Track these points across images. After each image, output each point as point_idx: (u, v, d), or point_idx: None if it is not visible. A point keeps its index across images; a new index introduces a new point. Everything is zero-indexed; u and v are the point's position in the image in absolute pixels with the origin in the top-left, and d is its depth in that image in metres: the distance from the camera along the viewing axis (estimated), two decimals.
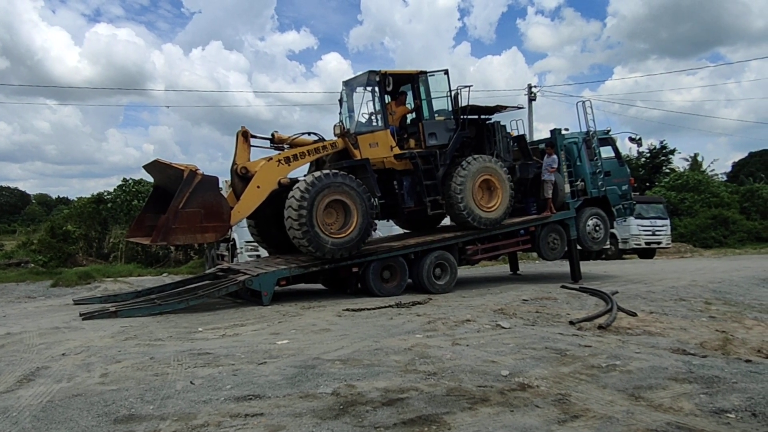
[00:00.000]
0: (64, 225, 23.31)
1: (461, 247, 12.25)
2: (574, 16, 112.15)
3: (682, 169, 40.50)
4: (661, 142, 42.65)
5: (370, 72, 11.66)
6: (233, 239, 16.89)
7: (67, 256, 21.88)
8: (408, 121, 12.67)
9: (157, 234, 9.79)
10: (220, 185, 10.90)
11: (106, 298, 11.14)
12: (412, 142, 12.13)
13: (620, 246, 23.84)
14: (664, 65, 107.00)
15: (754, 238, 30.78)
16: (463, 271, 15.31)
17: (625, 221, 20.06)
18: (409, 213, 12.43)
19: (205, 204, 9.92)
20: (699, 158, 43.49)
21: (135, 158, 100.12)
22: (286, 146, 11.49)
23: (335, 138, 11.50)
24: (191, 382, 5.13)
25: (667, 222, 24.90)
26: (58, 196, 69.02)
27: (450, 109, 12.37)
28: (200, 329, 7.94)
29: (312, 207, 10.20)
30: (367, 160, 11.26)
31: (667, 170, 40.80)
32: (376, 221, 12.61)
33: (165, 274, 18.89)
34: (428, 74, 12.18)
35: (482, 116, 13.01)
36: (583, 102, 13.99)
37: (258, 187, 10.56)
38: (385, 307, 9.49)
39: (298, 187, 10.31)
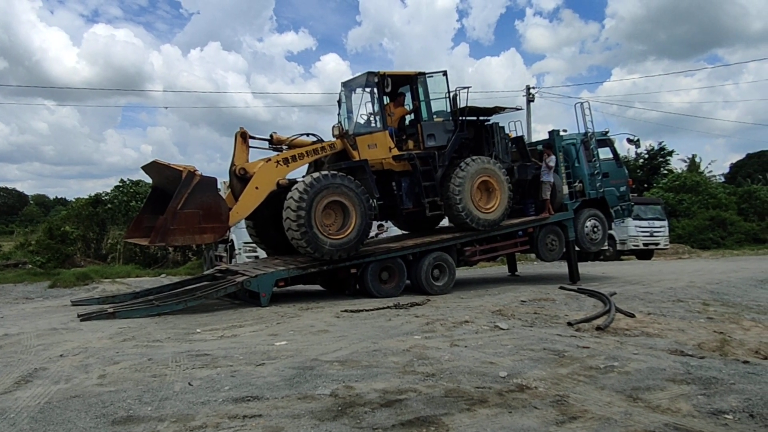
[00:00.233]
0: (62, 226, 23.24)
1: (459, 248, 12.26)
2: (572, 18, 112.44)
3: (680, 171, 40.56)
4: (660, 144, 42.77)
5: (369, 73, 11.67)
6: (231, 240, 16.88)
7: (65, 257, 21.83)
8: (407, 122, 12.68)
9: (155, 235, 9.78)
10: (219, 186, 10.88)
11: (104, 299, 11.12)
12: (410, 144, 12.13)
13: (618, 247, 23.88)
14: (662, 67, 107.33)
15: (751, 240, 30.85)
16: (462, 272, 15.32)
17: (623, 222, 20.13)
18: (407, 214, 12.44)
19: (204, 205, 9.91)
20: (697, 159, 43.59)
21: (133, 159, 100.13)
22: (284, 147, 11.48)
23: (334, 139, 11.51)
24: (189, 384, 5.12)
25: (665, 223, 24.95)
26: (56, 197, 69.07)
27: (448, 110, 12.38)
28: (198, 330, 7.94)
29: (310, 208, 10.20)
30: (365, 161, 11.26)
31: (665, 171, 40.86)
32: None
33: (163, 275, 18.87)
34: (427, 75, 12.19)
35: (481, 117, 13.02)
36: (582, 103, 14.02)
37: (256, 188, 10.56)
38: (384, 308, 9.48)
39: (296, 188, 10.31)
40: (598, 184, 13.69)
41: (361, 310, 9.30)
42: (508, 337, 7.25)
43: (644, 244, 23.93)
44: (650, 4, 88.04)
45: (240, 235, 15.90)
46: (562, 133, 13.84)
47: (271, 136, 11.58)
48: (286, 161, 10.93)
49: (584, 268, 15.86)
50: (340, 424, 4.11)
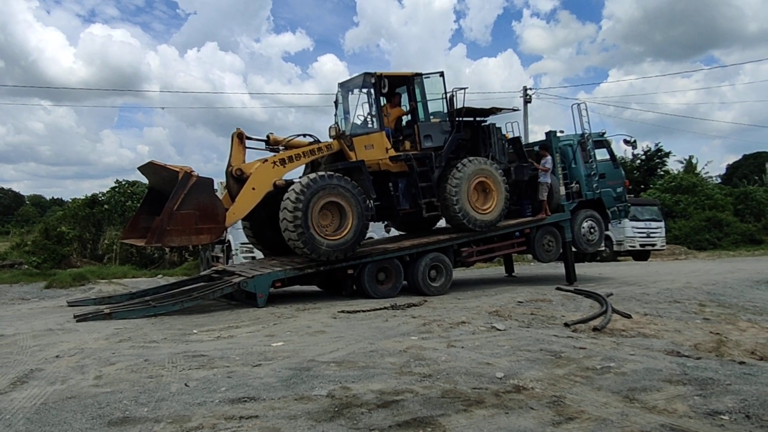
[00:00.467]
0: (58, 226, 23.21)
1: (456, 249, 12.27)
2: (569, 19, 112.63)
3: (676, 172, 40.64)
4: (656, 145, 42.83)
5: (366, 74, 11.67)
6: (228, 241, 16.87)
7: (61, 258, 21.79)
8: (404, 123, 12.68)
9: (151, 236, 9.76)
10: (215, 187, 10.88)
11: (100, 300, 11.09)
12: (407, 144, 12.13)
13: (615, 248, 23.92)
14: (659, 68, 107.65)
15: (747, 241, 30.92)
16: (459, 273, 15.32)
17: (619, 223, 20.17)
18: (404, 215, 12.42)
19: (200, 206, 9.89)
20: (693, 161, 43.68)
21: (129, 159, 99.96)
22: (281, 148, 11.47)
23: (330, 140, 11.50)
24: (186, 385, 5.11)
25: (662, 224, 25.00)
26: (52, 197, 68.87)
27: (445, 111, 12.38)
28: (195, 331, 7.92)
29: (307, 209, 10.20)
30: (362, 162, 11.26)
31: (662, 173, 40.95)
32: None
33: (159, 276, 18.84)
34: (424, 76, 12.19)
35: (477, 118, 13.04)
36: (578, 104, 14.06)
37: (253, 188, 10.54)
38: (381, 309, 9.48)
39: (293, 189, 10.30)
40: (594, 185, 13.71)
41: (358, 311, 9.29)
42: (505, 337, 7.26)
43: (641, 245, 23.97)
44: (647, 5, 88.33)
45: (237, 235, 15.89)
46: (559, 134, 13.87)
47: (267, 136, 11.57)
48: (282, 162, 10.92)
49: (581, 269, 15.88)
50: (336, 425, 4.11)
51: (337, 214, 10.78)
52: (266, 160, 10.87)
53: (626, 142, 14.82)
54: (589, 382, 5.22)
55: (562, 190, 13.34)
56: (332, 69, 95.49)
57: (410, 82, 12.13)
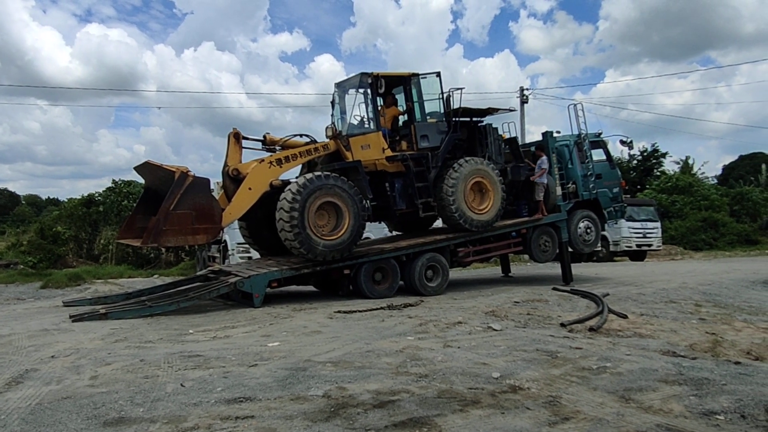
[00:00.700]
0: (53, 226, 23.15)
1: (453, 249, 12.27)
2: (566, 19, 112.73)
3: (672, 172, 40.72)
4: (653, 145, 42.87)
5: (363, 74, 11.67)
6: (224, 241, 16.87)
7: (56, 258, 21.73)
8: (400, 123, 12.68)
9: (147, 236, 9.74)
10: (212, 187, 10.86)
11: (96, 300, 11.07)
12: (404, 145, 12.13)
13: (611, 248, 23.98)
14: (655, 68, 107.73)
15: (743, 241, 31.04)
16: (455, 273, 15.33)
17: (616, 224, 20.17)
18: (401, 215, 12.43)
19: (197, 206, 9.88)
20: (690, 161, 43.78)
21: (126, 159, 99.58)
22: (277, 148, 11.47)
23: (327, 140, 11.50)
24: (181, 385, 5.10)
25: (658, 224, 25.06)
26: (48, 197, 68.58)
27: (442, 111, 12.38)
28: (191, 331, 7.91)
29: (303, 209, 10.19)
30: (359, 162, 11.26)
31: (658, 173, 41.03)
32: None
33: (156, 276, 18.81)
34: (420, 76, 12.20)
35: (474, 118, 13.05)
36: (575, 105, 14.08)
37: (249, 188, 10.54)
38: (377, 309, 9.48)
39: (289, 189, 10.29)
40: (591, 186, 13.74)
41: (355, 311, 9.29)
42: (501, 338, 7.26)
43: (637, 245, 24.03)
44: (643, 6, 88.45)
45: (233, 235, 15.89)
46: (555, 135, 13.89)
47: (264, 136, 11.57)
48: (279, 162, 10.91)
49: (577, 269, 15.90)
50: (332, 425, 4.10)
51: (333, 214, 10.78)
52: (263, 160, 10.86)
53: (623, 142, 14.88)
54: (585, 382, 5.23)
55: (559, 191, 13.36)
56: (329, 69, 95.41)
57: (407, 82, 12.13)
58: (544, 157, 13.25)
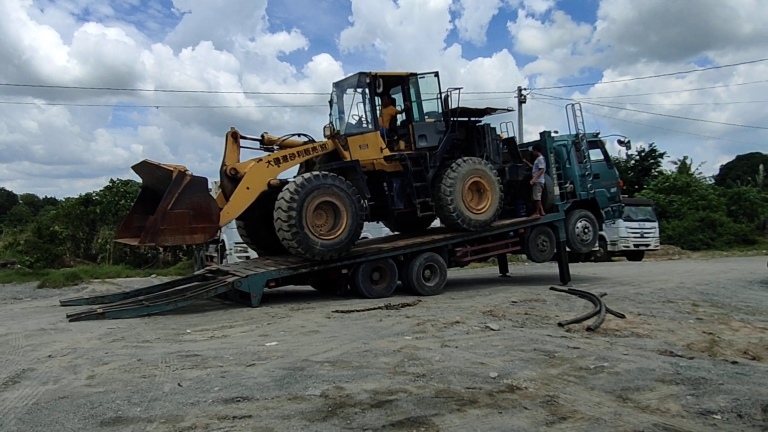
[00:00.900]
0: (51, 225, 23.11)
1: (451, 248, 12.28)
2: (564, 19, 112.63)
3: (670, 172, 40.77)
4: (650, 145, 42.90)
5: (361, 74, 11.67)
6: (222, 240, 16.84)
7: (54, 257, 21.69)
8: (398, 122, 12.69)
9: (145, 235, 9.73)
10: (210, 186, 10.85)
11: (94, 300, 11.05)
12: (402, 144, 12.14)
13: (609, 248, 23.99)
14: (653, 69, 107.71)
15: (741, 241, 31.08)
16: (453, 273, 15.34)
17: (613, 223, 20.23)
18: (398, 215, 12.44)
19: (194, 205, 9.87)
20: (687, 161, 43.83)
21: (124, 159, 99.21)
22: (275, 147, 11.46)
23: (325, 139, 11.50)
24: (179, 384, 5.10)
25: (656, 224, 25.10)
26: (46, 197, 68.37)
27: (440, 111, 12.40)
28: (188, 331, 7.90)
29: (301, 208, 10.19)
30: (357, 162, 11.26)
31: (656, 173, 41.07)
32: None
33: (153, 276, 18.79)
34: (418, 76, 12.21)
35: (472, 118, 13.06)
36: (573, 105, 14.11)
37: (247, 188, 10.53)
38: (375, 308, 9.48)
39: (287, 189, 10.29)
40: (589, 186, 13.76)
41: (352, 311, 9.29)
42: (499, 337, 7.27)
43: (635, 245, 24.06)
44: (641, 6, 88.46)
45: (231, 235, 15.87)
46: (553, 135, 13.90)
47: (262, 136, 11.56)
48: (277, 161, 10.91)
49: (575, 269, 15.92)
50: (330, 425, 4.10)
51: (331, 213, 10.78)
52: (261, 160, 10.85)
53: (620, 142, 14.90)
54: (582, 382, 5.24)
55: (557, 191, 13.38)
56: (327, 69, 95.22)
57: (405, 81, 12.14)
58: (541, 157, 13.27)
